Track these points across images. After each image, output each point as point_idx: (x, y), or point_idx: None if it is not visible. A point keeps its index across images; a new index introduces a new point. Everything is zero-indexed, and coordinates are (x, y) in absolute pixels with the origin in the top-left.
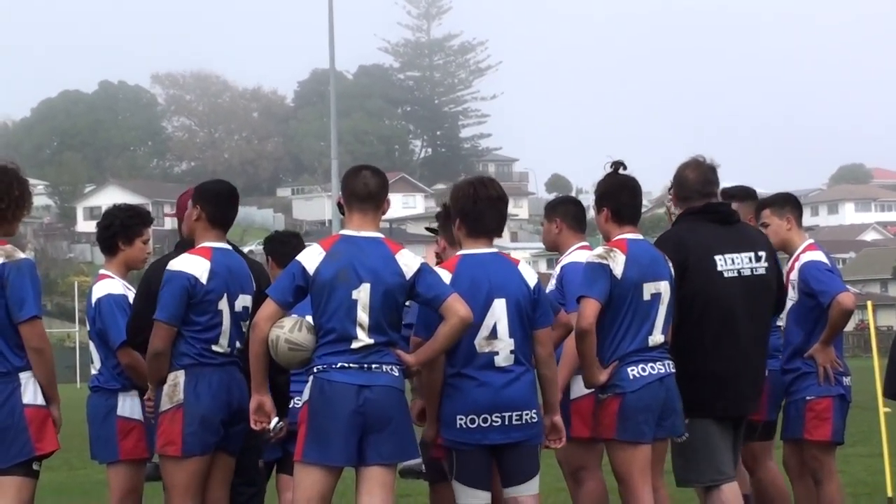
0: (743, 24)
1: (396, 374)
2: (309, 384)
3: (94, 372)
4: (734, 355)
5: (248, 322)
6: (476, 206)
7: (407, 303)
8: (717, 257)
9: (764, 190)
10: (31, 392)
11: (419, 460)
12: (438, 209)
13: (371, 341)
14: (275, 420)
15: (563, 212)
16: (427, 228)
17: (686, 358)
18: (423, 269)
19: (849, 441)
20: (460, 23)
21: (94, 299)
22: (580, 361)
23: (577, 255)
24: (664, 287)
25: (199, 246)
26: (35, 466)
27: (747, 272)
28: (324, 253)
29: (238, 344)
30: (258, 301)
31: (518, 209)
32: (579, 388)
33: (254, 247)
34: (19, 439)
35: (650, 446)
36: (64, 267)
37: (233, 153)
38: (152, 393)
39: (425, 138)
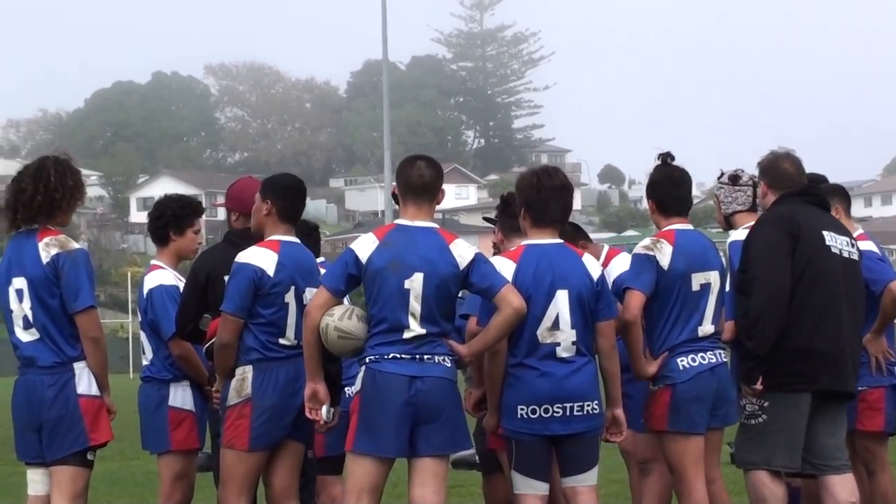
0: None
1: (448, 364)
2: (361, 374)
3: (145, 362)
4: (838, 331)
5: None
6: (540, 196)
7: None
8: (825, 233)
9: None
10: (85, 382)
11: (472, 451)
12: (495, 200)
13: (423, 331)
14: (325, 407)
15: None
16: (485, 218)
17: (788, 332)
18: (478, 259)
19: None
20: (513, 13)
21: (145, 290)
22: (631, 352)
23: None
24: (714, 277)
25: (268, 239)
26: (90, 456)
27: (846, 254)
28: (377, 242)
29: None
30: None
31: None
32: None
33: None
34: (74, 429)
35: (703, 437)
36: (117, 257)
37: (285, 144)
38: (220, 385)
39: (478, 129)
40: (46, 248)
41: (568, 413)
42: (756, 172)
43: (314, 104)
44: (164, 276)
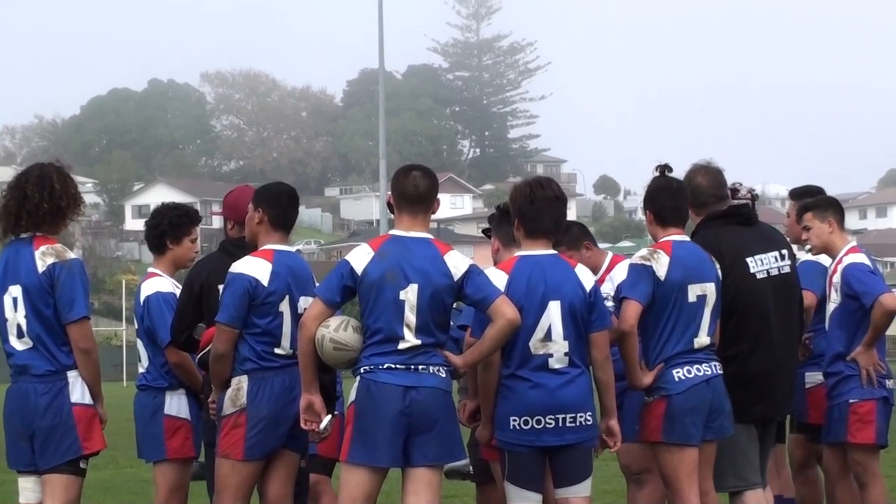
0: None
1: (443, 375)
2: (356, 384)
3: (141, 370)
4: (770, 357)
5: None
6: (533, 207)
7: (456, 305)
8: (748, 259)
9: None
10: (78, 391)
11: (466, 461)
12: (490, 210)
13: (418, 342)
14: (326, 419)
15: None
16: (483, 231)
17: (723, 363)
18: (472, 271)
19: (895, 445)
20: (510, 23)
21: (142, 297)
22: (626, 363)
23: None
24: (710, 289)
25: (262, 248)
26: (82, 465)
27: (775, 272)
28: (372, 253)
29: None
30: None
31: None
32: None
33: (301, 246)
34: (67, 438)
35: (697, 449)
36: (111, 265)
37: (281, 152)
38: (216, 395)
39: (474, 139)
40: (43, 258)
41: (561, 424)
42: (751, 185)
43: (310, 113)
44: (161, 283)
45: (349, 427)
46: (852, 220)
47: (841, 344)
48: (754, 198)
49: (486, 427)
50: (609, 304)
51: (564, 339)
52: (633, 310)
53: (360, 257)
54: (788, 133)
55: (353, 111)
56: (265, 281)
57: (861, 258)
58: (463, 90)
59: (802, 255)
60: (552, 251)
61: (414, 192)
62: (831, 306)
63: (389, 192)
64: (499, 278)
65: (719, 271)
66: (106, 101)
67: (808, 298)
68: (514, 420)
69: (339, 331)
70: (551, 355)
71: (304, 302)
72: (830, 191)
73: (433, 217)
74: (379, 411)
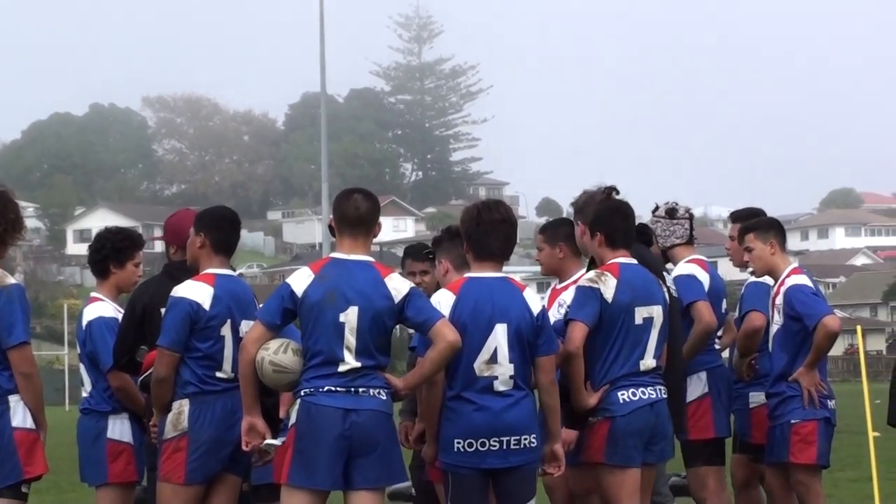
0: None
1: (384, 397)
2: (296, 407)
3: (84, 394)
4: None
5: None
6: (479, 229)
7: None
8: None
9: None
10: (20, 415)
11: (408, 483)
12: (433, 233)
13: (358, 364)
14: (268, 441)
15: (566, 235)
16: (426, 253)
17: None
18: (413, 294)
19: (838, 465)
20: (451, 47)
21: (84, 322)
22: (572, 385)
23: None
24: (657, 311)
25: (203, 272)
26: (24, 489)
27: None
28: (313, 275)
29: None
30: None
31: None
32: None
33: (244, 269)
34: (9, 462)
35: (639, 471)
36: (53, 290)
37: (223, 176)
38: (157, 419)
39: (416, 162)
40: None
41: (505, 447)
42: (688, 206)
43: (252, 136)
44: (103, 308)
45: (289, 449)
46: (794, 242)
47: (783, 364)
48: (692, 217)
49: (431, 446)
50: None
51: (510, 361)
52: (579, 331)
53: (300, 280)
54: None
55: (295, 135)
56: (207, 305)
57: (803, 280)
58: (405, 113)
59: (749, 277)
60: (500, 274)
61: (354, 214)
62: (774, 328)
63: (332, 216)
64: (446, 299)
65: (667, 294)
66: (47, 126)
67: (758, 319)
68: (459, 442)
69: (278, 353)
70: (496, 377)
71: (246, 325)
72: (772, 212)
73: (375, 240)
74: (319, 434)
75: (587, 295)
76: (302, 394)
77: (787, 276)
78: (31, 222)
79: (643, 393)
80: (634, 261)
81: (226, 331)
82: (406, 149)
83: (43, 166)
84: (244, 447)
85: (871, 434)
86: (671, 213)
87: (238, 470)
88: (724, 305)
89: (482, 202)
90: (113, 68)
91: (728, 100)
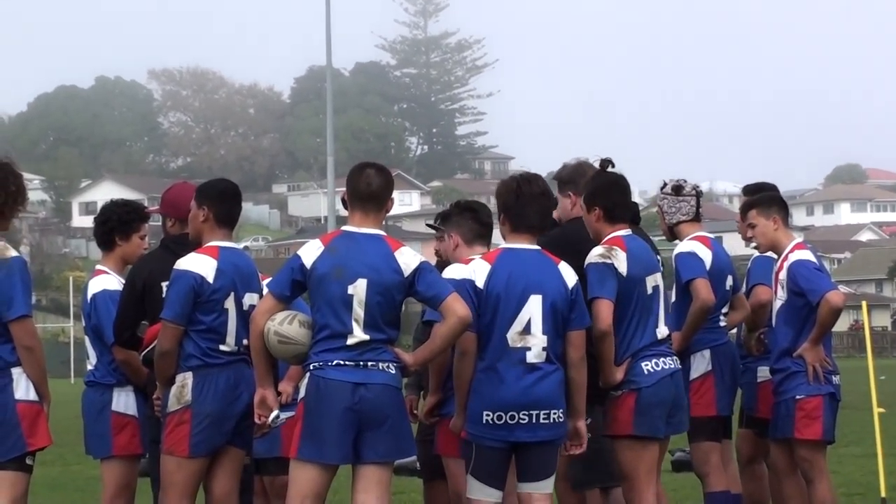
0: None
1: (393, 371)
2: (305, 380)
3: (89, 367)
4: None
5: None
6: (518, 202)
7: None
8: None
9: None
10: (23, 387)
11: (414, 458)
12: (438, 207)
13: (367, 338)
14: (274, 413)
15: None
16: (428, 225)
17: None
18: (423, 268)
19: (842, 441)
20: (457, 20)
21: (89, 295)
22: (602, 361)
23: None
24: (659, 279)
25: (206, 245)
26: (28, 461)
27: None
28: (322, 248)
29: (245, 341)
30: None
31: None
32: None
33: (249, 243)
34: (12, 435)
35: (657, 447)
36: (59, 262)
37: (229, 149)
38: (161, 392)
39: (421, 136)
40: None
41: (534, 420)
42: (696, 183)
43: (257, 110)
44: (108, 281)
45: (298, 423)
46: (799, 217)
47: (787, 340)
48: (699, 194)
49: (460, 417)
50: None
51: (543, 333)
52: (606, 308)
53: (310, 252)
54: (735, 130)
55: (300, 108)
56: (210, 278)
57: (807, 255)
58: (411, 87)
59: (755, 252)
60: (536, 247)
61: (366, 189)
62: (777, 303)
63: (344, 189)
64: (481, 268)
65: (660, 262)
66: (53, 99)
67: (765, 294)
68: (488, 415)
69: (283, 324)
70: (529, 349)
71: (249, 298)
72: (778, 187)
73: None
74: (328, 408)
75: (603, 271)
76: (311, 368)
77: (791, 251)
78: (36, 195)
79: (664, 363)
80: (631, 232)
81: (229, 304)
82: (411, 122)
83: (49, 139)
84: (256, 419)
85: (876, 410)
86: (677, 189)
87: (241, 443)
88: (729, 282)
89: (520, 175)
90: (119, 41)
91: (733, 76)
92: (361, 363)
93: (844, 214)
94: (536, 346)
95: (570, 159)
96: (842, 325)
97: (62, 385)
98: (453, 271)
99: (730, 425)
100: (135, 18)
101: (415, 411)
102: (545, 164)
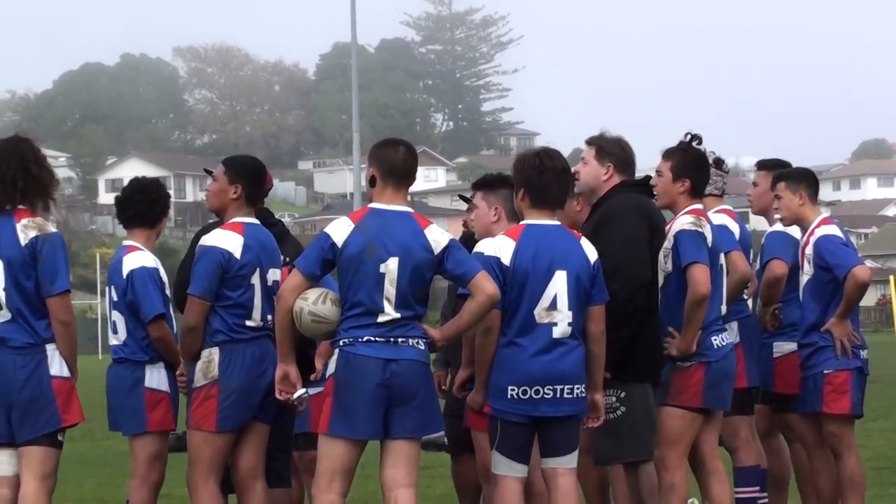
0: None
1: (422, 347)
2: (335, 357)
3: (116, 343)
4: (658, 324)
5: None
6: (542, 177)
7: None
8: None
9: None
10: (57, 364)
11: (442, 433)
12: (463, 182)
13: (398, 315)
14: (300, 391)
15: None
16: (461, 196)
17: (643, 325)
18: (452, 245)
19: (871, 415)
20: None
21: (125, 270)
22: (691, 327)
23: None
24: (723, 258)
25: (231, 221)
26: (60, 437)
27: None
28: (353, 226)
29: (270, 317)
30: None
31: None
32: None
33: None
34: (47, 410)
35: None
36: (86, 239)
37: (254, 126)
38: (185, 368)
39: (447, 112)
40: (25, 231)
41: (558, 395)
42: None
43: (283, 86)
44: (144, 258)
45: (328, 399)
46: (826, 192)
47: (815, 315)
48: (728, 172)
49: (480, 393)
50: None
51: (569, 309)
52: (704, 274)
53: (340, 230)
54: (762, 105)
55: (325, 85)
56: (237, 254)
57: (833, 230)
58: (436, 63)
59: (774, 226)
60: (557, 222)
61: (403, 166)
62: (804, 278)
63: (370, 167)
64: (506, 245)
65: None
66: (78, 76)
67: (779, 268)
68: (513, 389)
69: (317, 303)
70: (555, 324)
71: (273, 274)
72: (804, 162)
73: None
74: (358, 384)
75: (697, 238)
76: (341, 344)
77: (817, 226)
78: (63, 172)
79: (727, 337)
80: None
81: (255, 280)
82: (437, 99)
83: (75, 116)
84: (277, 395)
85: None
86: (718, 163)
87: (267, 418)
88: (750, 256)
89: (542, 150)
90: (144, 19)
91: (761, 50)
92: (392, 339)
93: (871, 189)
94: (562, 322)
95: (603, 130)
96: (869, 299)
97: (90, 361)
98: (485, 246)
99: (753, 400)
100: None
101: (443, 387)
102: (571, 140)
